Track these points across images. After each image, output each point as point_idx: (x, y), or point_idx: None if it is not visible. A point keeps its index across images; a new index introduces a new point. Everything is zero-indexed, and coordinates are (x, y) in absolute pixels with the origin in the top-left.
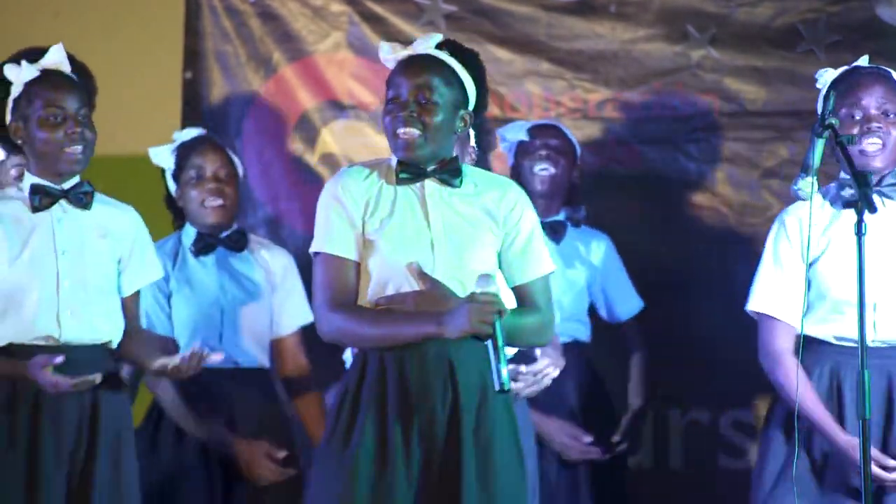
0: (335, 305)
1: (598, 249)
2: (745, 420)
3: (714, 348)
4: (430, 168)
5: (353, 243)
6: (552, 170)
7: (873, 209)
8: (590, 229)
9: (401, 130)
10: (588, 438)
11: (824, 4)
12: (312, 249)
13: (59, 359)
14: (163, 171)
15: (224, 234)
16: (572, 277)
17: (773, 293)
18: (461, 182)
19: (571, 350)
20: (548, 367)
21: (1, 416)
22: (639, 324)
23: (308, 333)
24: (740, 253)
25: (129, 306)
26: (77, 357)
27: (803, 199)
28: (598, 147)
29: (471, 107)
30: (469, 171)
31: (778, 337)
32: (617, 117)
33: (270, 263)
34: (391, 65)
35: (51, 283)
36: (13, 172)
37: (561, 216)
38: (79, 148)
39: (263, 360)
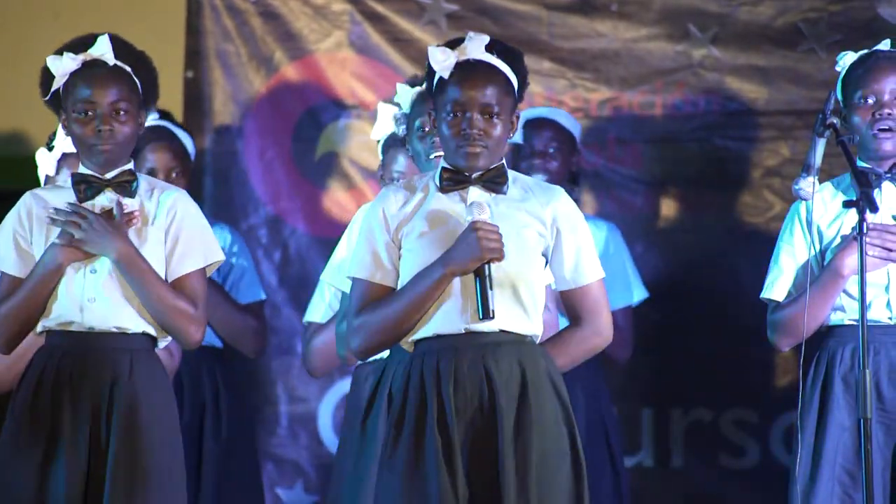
0: (355, 316)
1: (598, 236)
2: (746, 419)
3: (714, 347)
4: (475, 175)
5: (379, 268)
6: (546, 176)
7: (875, 209)
8: (592, 217)
9: (468, 148)
10: None
11: (826, 4)
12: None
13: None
14: None
15: None
16: None
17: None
18: (507, 188)
19: None
20: None
21: (25, 395)
22: (633, 317)
23: None
24: (741, 252)
25: (184, 291)
26: (100, 344)
27: (804, 199)
28: (598, 146)
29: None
30: (518, 177)
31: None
32: (618, 116)
33: None
34: (446, 72)
35: (80, 270)
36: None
37: None
38: (107, 146)
39: None
